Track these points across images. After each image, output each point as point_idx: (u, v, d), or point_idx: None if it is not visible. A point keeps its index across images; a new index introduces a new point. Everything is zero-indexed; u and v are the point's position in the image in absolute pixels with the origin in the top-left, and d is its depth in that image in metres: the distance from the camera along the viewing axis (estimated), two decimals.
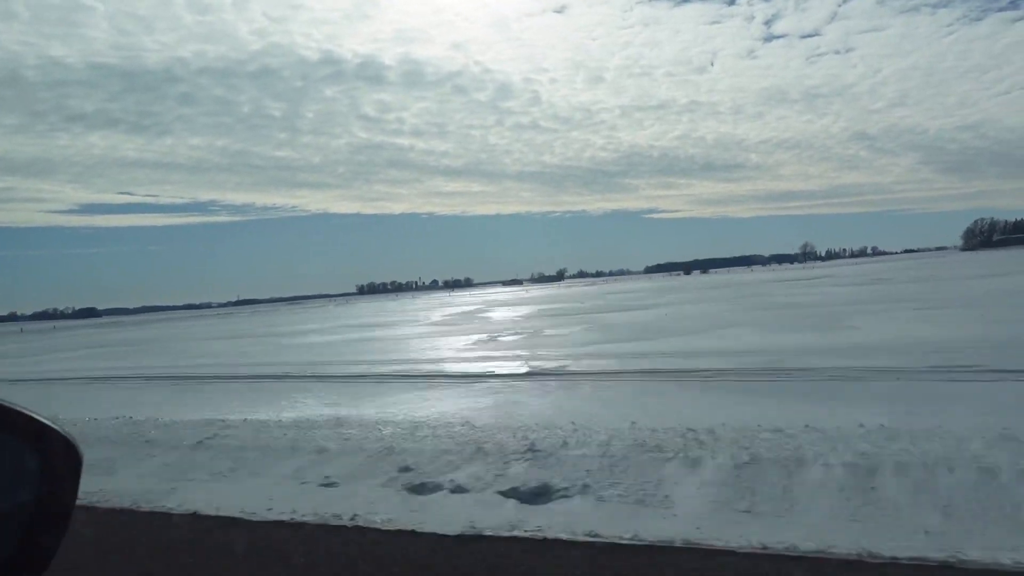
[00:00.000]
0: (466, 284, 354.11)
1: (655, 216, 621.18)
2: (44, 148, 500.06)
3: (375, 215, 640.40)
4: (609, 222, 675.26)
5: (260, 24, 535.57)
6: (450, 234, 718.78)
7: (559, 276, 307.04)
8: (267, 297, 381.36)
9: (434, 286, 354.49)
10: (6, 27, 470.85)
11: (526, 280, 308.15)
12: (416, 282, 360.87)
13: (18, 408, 1.09)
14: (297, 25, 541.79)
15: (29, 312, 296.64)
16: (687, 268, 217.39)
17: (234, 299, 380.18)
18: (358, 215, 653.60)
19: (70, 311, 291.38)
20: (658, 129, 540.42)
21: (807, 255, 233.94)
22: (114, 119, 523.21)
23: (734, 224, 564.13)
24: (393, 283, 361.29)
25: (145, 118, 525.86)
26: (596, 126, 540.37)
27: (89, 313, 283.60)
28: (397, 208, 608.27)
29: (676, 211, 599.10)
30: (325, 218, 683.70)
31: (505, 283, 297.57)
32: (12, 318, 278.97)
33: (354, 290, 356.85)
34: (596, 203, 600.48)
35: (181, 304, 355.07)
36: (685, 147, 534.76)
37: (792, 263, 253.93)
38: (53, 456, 1.10)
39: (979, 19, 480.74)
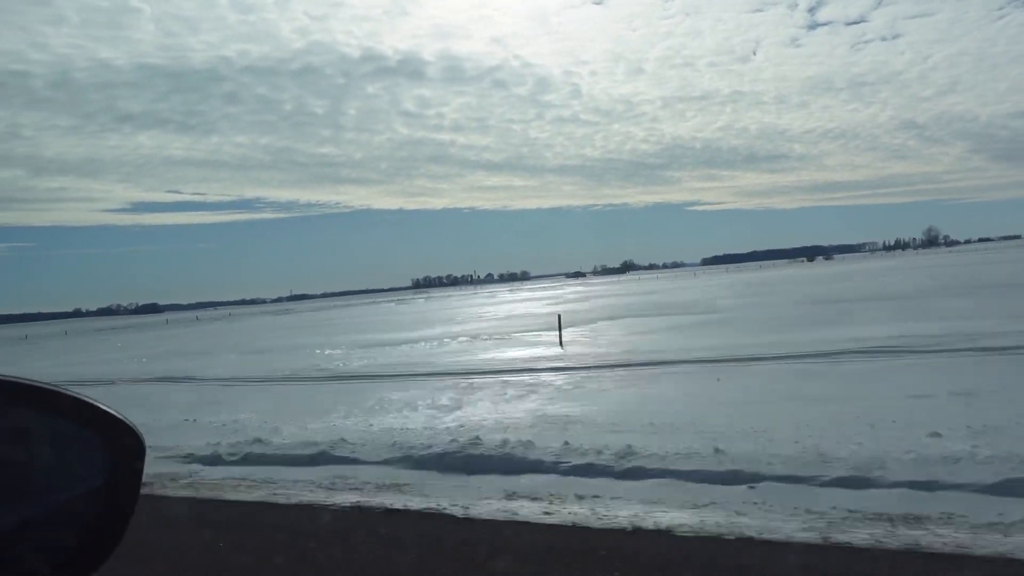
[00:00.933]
0: (523, 278, 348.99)
1: (698, 208, 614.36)
2: (95, 148, 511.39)
3: (417, 210, 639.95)
4: (651, 215, 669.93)
5: (302, 22, 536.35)
6: (493, 228, 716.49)
7: (624, 268, 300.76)
8: (319, 292, 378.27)
9: (489, 280, 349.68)
10: (56, 31, 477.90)
11: (589, 272, 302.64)
12: (472, 275, 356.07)
13: (85, 398, 1.15)
14: (338, 23, 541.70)
15: (93, 308, 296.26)
16: (809, 255, 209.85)
17: (286, 294, 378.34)
18: (400, 210, 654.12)
19: (133, 307, 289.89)
20: (700, 120, 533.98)
21: (932, 241, 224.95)
22: (162, 119, 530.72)
23: (778, 216, 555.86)
24: (449, 277, 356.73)
25: (192, 117, 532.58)
26: (637, 118, 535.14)
27: (152, 309, 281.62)
28: (438, 203, 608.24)
29: (719, 203, 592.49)
30: (367, 214, 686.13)
31: (568, 276, 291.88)
32: (77, 314, 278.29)
33: (409, 284, 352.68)
34: (638, 196, 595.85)
35: (235, 300, 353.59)
36: (728, 138, 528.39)
37: (853, 252, 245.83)
38: (120, 446, 1.15)
39: None
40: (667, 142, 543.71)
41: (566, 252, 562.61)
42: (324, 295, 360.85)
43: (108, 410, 1.15)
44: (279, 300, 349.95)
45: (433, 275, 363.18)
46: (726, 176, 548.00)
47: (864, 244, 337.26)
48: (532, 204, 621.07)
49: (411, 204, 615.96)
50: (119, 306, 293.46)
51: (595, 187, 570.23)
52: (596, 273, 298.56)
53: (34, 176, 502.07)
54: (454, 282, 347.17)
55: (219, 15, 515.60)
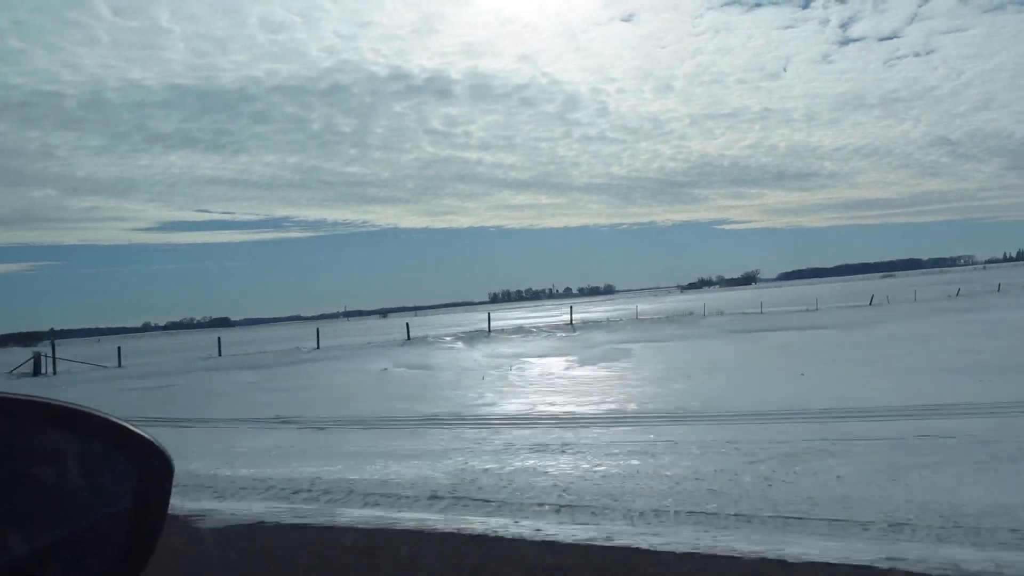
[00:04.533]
0: (607, 292, 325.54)
1: (726, 227, 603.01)
2: (126, 168, 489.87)
3: (443, 228, 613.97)
4: (679, 233, 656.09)
5: (330, 42, 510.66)
6: (524, 247, 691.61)
7: (747, 280, 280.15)
8: (372, 308, 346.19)
9: (569, 294, 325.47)
10: (88, 51, 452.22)
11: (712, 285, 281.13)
12: (551, 290, 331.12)
13: (114, 419, 1.16)
14: (367, 42, 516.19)
15: (163, 322, 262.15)
16: None
17: (332, 311, 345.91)
18: (426, 229, 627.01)
19: (206, 320, 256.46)
20: (729, 138, 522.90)
21: None
22: (192, 138, 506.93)
23: (807, 234, 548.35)
24: (528, 291, 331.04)
25: (221, 137, 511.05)
26: (665, 136, 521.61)
27: (224, 323, 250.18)
28: (465, 222, 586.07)
29: (747, 221, 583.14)
30: (395, 232, 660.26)
31: (683, 288, 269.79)
32: (147, 328, 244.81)
33: (486, 299, 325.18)
34: (664, 215, 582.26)
35: (285, 316, 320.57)
36: (757, 156, 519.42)
37: (948, 266, 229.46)
38: (149, 468, 1.16)
39: None
40: (695, 160, 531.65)
41: (613, 268, 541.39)
42: (382, 311, 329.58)
43: (137, 431, 1.14)
44: (331, 316, 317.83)
45: (512, 289, 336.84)
46: (754, 194, 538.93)
47: (959, 258, 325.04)
48: (559, 223, 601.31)
49: (438, 223, 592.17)
50: (192, 320, 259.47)
51: (622, 205, 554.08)
52: (716, 284, 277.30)
53: (66, 196, 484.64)
54: (533, 296, 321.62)
55: (248, 35, 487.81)
